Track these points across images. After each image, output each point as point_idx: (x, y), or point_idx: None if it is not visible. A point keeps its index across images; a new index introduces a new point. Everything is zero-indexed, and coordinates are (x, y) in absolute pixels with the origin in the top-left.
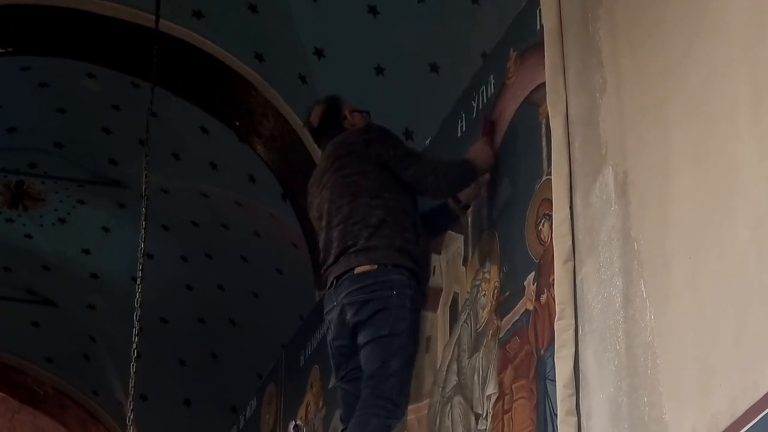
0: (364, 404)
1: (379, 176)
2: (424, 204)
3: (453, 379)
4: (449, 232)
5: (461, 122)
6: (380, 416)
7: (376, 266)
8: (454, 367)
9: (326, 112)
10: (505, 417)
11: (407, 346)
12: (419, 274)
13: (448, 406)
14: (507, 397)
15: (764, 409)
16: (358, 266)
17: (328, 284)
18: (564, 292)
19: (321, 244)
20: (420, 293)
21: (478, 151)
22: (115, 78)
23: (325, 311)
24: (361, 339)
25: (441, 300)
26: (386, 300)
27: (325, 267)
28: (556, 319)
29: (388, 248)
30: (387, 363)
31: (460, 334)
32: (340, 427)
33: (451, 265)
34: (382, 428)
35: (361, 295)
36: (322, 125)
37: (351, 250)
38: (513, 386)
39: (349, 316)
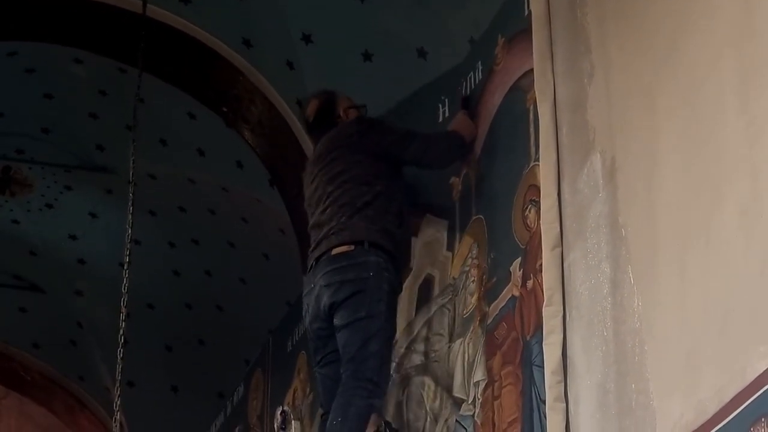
0: (345, 386)
1: (371, 165)
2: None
3: (416, 359)
4: (428, 215)
5: (449, 108)
6: (362, 396)
7: (353, 247)
8: (419, 347)
9: (321, 108)
10: (495, 403)
11: (385, 328)
12: (397, 258)
13: (405, 384)
14: (496, 384)
15: (751, 396)
16: (335, 247)
17: (309, 267)
18: (552, 278)
19: (310, 231)
20: (398, 277)
21: (461, 122)
22: (102, 63)
23: (304, 294)
24: (337, 321)
25: (408, 280)
26: (363, 282)
27: (309, 251)
28: (543, 306)
29: (368, 227)
30: (366, 344)
31: (433, 317)
32: (321, 411)
33: (428, 248)
34: (365, 408)
35: (338, 276)
36: (317, 121)
37: (332, 231)
38: (501, 373)
39: (325, 297)
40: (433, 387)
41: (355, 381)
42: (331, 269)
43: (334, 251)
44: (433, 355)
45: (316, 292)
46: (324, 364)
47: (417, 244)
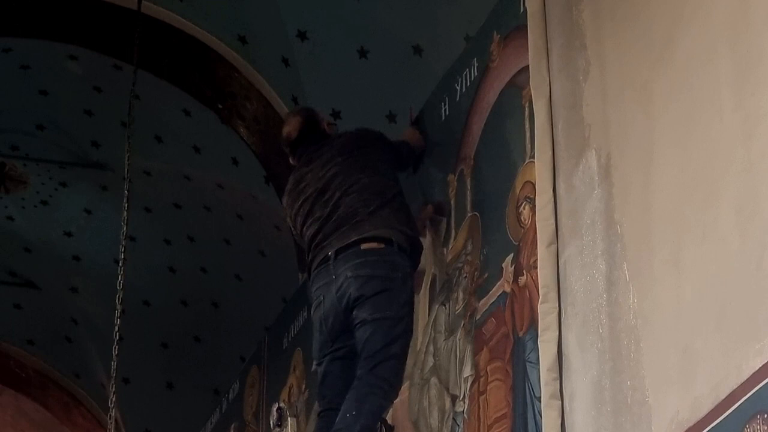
0: (361, 382)
1: (391, 166)
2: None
3: (430, 361)
4: (434, 215)
5: (444, 105)
6: (377, 395)
7: (383, 245)
8: (431, 348)
9: (304, 123)
10: (481, 399)
11: (406, 331)
12: (415, 257)
13: (426, 388)
14: (482, 379)
15: (747, 393)
16: (364, 243)
17: (322, 258)
18: (547, 275)
19: (319, 216)
20: (414, 277)
21: (410, 135)
22: (97, 60)
23: (317, 287)
24: (359, 314)
25: (423, 282)
26: (391, 281)
27: (320, 239)
28: (539, 303)
29: (398, 222)
30: (389, 345)
31: (436, 316)
32: (319, 409)
33: (432, 247)
34: (379, 408)
35: (367, 269)
36: (301, 137)
37: (359, 218)
38: (488, 368)
39: (352, 289)
40: (438, 386)
41: (373, 379)
42: (359, 261)
43: (364, 246)
44: (437, 354)
45: (338, 283)
46: (330, 360)
47: (425, 245)
